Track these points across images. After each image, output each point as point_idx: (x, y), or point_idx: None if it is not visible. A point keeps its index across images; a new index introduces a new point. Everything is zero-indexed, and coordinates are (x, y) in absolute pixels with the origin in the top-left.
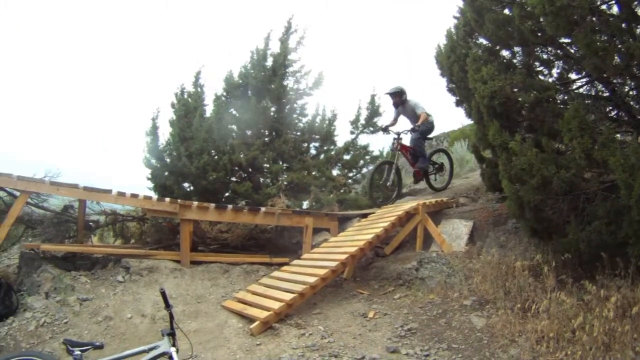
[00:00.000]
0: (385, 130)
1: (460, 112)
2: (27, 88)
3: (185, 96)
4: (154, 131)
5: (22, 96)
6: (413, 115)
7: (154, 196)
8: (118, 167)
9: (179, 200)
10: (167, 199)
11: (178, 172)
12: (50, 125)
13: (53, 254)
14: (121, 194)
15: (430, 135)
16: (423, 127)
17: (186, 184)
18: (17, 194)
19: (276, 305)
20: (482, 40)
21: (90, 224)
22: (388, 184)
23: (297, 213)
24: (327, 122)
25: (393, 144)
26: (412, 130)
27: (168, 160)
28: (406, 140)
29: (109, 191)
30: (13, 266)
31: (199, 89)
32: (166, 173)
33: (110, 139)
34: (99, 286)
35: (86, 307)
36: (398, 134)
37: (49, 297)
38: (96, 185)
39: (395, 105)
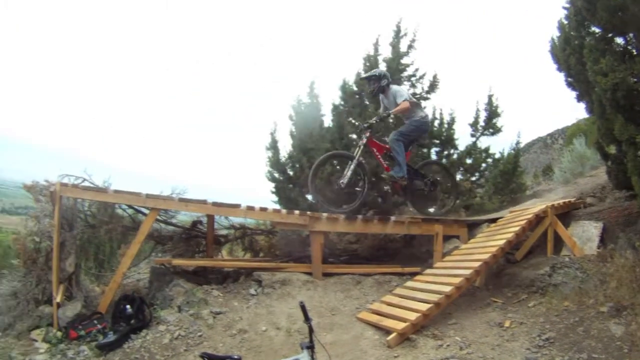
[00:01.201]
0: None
1: (576, 106)
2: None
3: (302, 108)
4: (274, 145)
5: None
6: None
7: (283, 209)
8: (241, 181)
9: (308, 212)
10: (297, 212)
11: (302, 184)
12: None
13: (184, 268)
14: (250, 208)
15: (421, 139)
16: (408, 127)
17: (310, 196)
18: (146, 211)
19: (412, 316)
20: (595, 29)
21: (220, 238)
22: (341, 181)
23: (426, 221)
24: (446, 125)
25: (361, 137)
26: (387, 116)
27: (291, 172)
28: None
29: (238, 206)
30: (143, 281)
31: (314, 100)
32: (290, 185)
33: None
34: (231, 299)
35: (220, 320)
36: (370, 124)
37: (182, 310)
38: (224, 200)
39: (373, 93)
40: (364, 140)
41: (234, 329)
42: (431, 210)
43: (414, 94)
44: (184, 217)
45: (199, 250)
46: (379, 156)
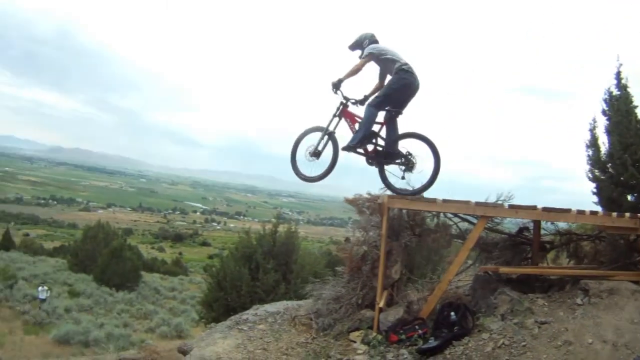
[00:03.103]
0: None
1: None
2: None
3: (613, 101)
4: (594, 142)
5: None
6: (384, 67)
7: (613, 212)
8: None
9: (638, 215)
10: (627, 214)
11: (623, 183)
12: None
13: (508, 276)
14: (580, 212)
15: (402, 100)
16: (383, 89)
17: (629, 196)
18: (472, 219)
19: None
20: None
21: (546, 245)
22: (309, 151)
23: None
24: None
25: (338, 107)
26: (339, 82)
27: (612, 171)
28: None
29: (568, 210)
30: (462, 288)
31: (624, 91)
32: (611, 185)
33: None
34: (556, 309)
35: (544, 330)
36: (346, 98)
37: (505, 319)
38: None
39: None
40: (336, 112)
41: (559, 340)
42: (396, 185)
43: None
44: (509, 224)
45: (525, 258)
46: (352, 127)
